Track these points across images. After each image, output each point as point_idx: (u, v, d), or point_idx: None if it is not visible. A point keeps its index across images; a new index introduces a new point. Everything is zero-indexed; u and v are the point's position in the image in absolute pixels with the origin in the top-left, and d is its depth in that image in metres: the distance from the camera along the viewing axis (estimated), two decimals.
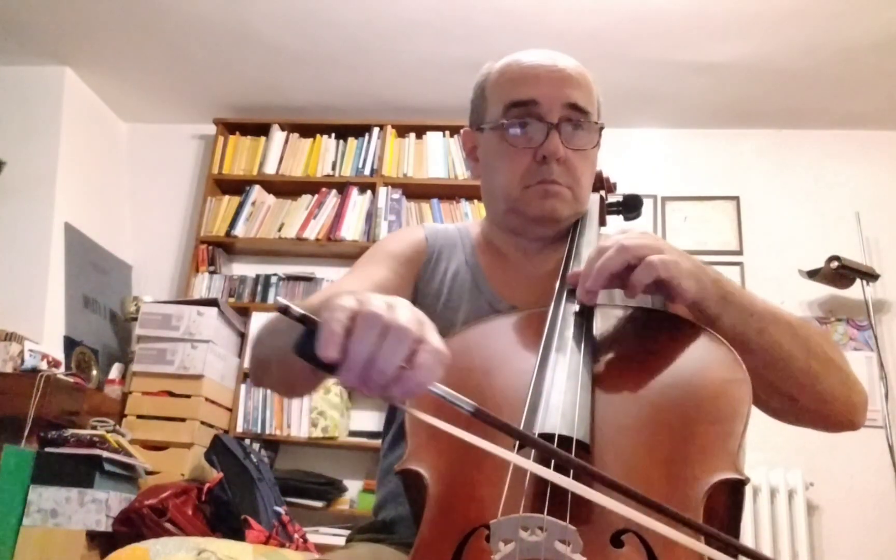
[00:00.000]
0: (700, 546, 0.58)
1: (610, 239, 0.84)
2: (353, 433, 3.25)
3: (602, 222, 1.14)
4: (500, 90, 1.05)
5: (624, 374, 0.80)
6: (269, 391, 3.25)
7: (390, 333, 0.59)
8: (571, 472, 0.62)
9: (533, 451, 0.65)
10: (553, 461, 0.63)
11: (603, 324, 0.88)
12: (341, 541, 1.97)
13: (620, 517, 0.62)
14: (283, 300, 0.61)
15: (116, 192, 3.79)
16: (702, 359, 0.79)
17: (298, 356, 0.61)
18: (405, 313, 0.61)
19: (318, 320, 0.60)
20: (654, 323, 0.89)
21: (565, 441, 0.67)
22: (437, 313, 1.05)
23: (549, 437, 0.67)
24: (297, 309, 0.61)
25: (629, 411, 0.75)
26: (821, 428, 0.93)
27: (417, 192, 3.55)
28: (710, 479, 0.65)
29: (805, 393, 0.88)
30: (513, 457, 0.61)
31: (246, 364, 3.31)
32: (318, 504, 3.04)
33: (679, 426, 0.72)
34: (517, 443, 0.64)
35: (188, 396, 2.98)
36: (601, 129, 1.06)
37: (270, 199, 3.65)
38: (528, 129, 1.01)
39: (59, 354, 3.02)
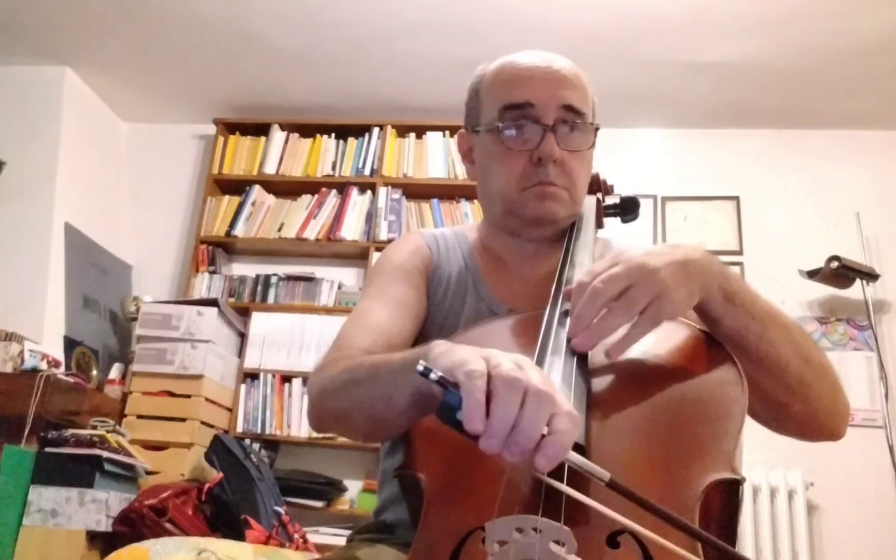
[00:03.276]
0: (695, 547, 0.58)
1: (600, 277, 0.79)
2: None
3: (599, 224, 1.14)
4: (495, 92, 1.05)
5: (619, 377, 0.80)
6: (268, 391, 3.25)
7: (529, 398, 0.57)
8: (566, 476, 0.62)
9: None
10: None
11: None
12: (341, 541, 1.97)
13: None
14: (423, 363, 0.60)
15: (116, 192, 3.79)
16: (697, 360, 0.79)
17: (442, 421, 0.60)
18: (536, 374, 0.59)
19: (450, 381, 0.59)
20: None
21: None
22: (443, 319, 1.04)
23: None
24: (437, 371, 0.60)
25: (624, 413, 0.75)
26: (802, 437, 0.92)
27: (417, 192, 3.55)
28: (706, 480, 0.65)
29: (797, 400, 0.86)
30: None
31: (246, 363, 3.30)
32: (318, 504, 3.04)
33: (674, 427, 0.72)
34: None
35: (188, 396, 2.98)
36: (597, 129, 1.06)
37: (270, 199, 3.65)
38: (524, 131, 1.01)
39: (59, 354, 3.02)
